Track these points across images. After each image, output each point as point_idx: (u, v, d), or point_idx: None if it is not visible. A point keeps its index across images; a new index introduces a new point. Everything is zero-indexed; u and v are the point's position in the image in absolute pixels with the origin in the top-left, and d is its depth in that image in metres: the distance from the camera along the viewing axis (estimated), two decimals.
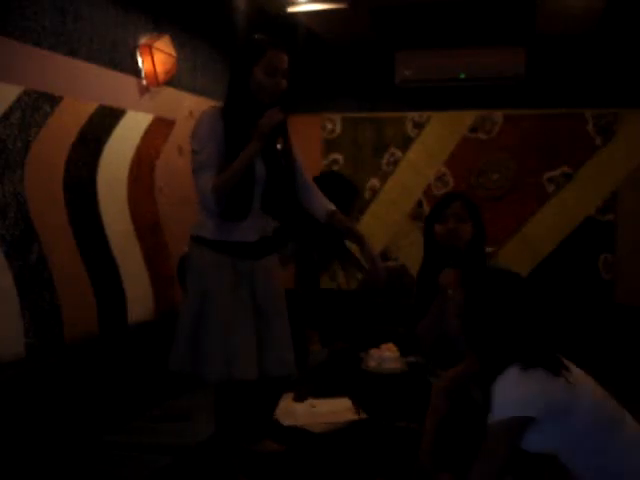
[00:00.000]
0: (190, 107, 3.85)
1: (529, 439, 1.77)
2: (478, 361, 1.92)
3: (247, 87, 2.35)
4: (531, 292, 1.91)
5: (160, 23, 3.58)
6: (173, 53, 3.53)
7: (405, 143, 4.96)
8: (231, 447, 2.61)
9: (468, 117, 4.83)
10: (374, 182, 5.03)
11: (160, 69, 3.44)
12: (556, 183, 4.70)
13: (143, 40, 3.41)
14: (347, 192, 3.50)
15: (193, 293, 2.41)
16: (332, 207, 2.54)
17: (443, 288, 2.53)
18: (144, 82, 3.44)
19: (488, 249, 2.79)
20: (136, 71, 3.40)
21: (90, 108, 3.08)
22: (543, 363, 1.78)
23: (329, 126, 5.06)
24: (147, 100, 3.49)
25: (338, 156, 5.07)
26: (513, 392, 1.75)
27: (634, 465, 1.76)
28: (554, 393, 1.75)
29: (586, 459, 1.80)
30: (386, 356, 3.78)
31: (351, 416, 3.16)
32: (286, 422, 3.08)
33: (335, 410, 3.23)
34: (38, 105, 2.76)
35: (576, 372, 1.85)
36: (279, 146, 2.41)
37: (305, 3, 3.93)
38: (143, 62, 3.40)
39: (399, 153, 4.98)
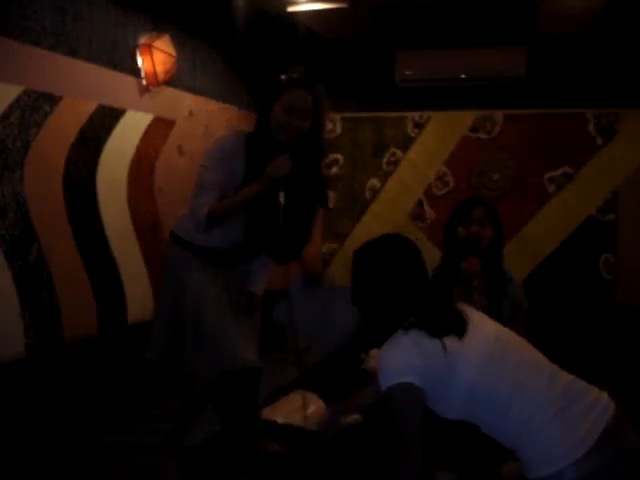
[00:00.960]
0: (190, 107, 3.84)
1: (435, 407, 1.77)
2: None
3: (267, 124, 2.35)
4: (411, 258, 1.88)
5: (160, 23, 3.57)
6: (173, 53, 3.53)
7: (405, 143, 4.96)
8: (235, 446, 2.62)
9: (468, 117, 4.82)
10: (374, 182, 5.03)
11: (160, 69, 3.44)
12: (557, 183, 4.70)
13: (143, 40, 3.41)
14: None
15: (168, 289, 2.45)
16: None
17: (468, 276, 2.59)
18: (144, 82, 3.44)
19: None
20: (136, 71, 3.39)
21: (90, 108, 3.08)
22: (422, 328, 1.75)
23: (329, 126, 5.05)
24: (147, 100, 3.49)
25: (338, 156, 5.07)
26: (392, 360, 1.75)
27: (510, 440, 1.70)
28: (430, 360, 1.71)
29: (485, 429, 1.77)
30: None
31: None
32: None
33: None
34: (38, 105, 2.76)
35: (474, 335, 1.76)
36: (281, 200, 2.37)
37: (305, 3, 3.93)
38: (143, 62, 3.40)
39: (399, 153, 4.98)
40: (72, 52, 2.96)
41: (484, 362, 1.72)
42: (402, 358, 1.73)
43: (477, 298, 2.64)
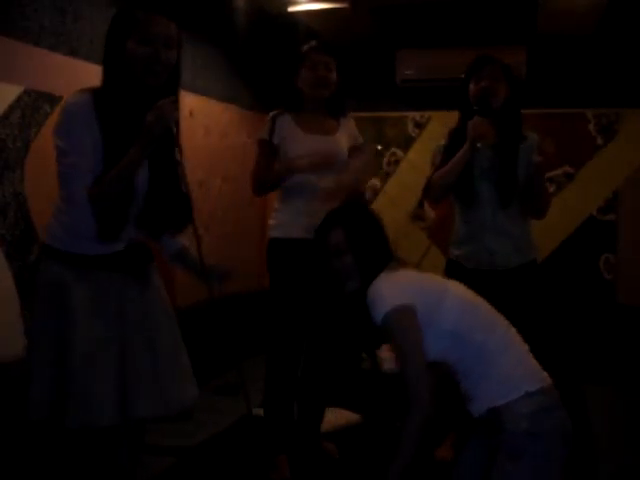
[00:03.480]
0: (190, 107, 3.84)
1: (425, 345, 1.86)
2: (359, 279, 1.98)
3: (122, 66, 1.87)
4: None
5: None
6: None
7: (406, 143, 4.95)
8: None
9: None
10: (375, 182, 5.02)
11: None
12: (557, 183, 4.69)
13: None
14: None
15: (47, 316, 1.91)
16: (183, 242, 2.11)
17: (472, 137, 2.63)
18: None
19: None
20: None
21: None
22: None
23: None
24: None
25: None
26: (386, 289, 1.85)
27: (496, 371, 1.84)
28: (423, 284, 1.94)
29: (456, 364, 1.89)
30: (386, 356, 3.78)
31: None
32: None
33: None
34: (38, 105, 2.76)
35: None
36: (178, 156, 1.92)
37: (305, 3, 3.93)
38: None
39: (400, 153, 4.97)
40: (72, 52, 2.96)
41: (466, 299, 1.93)
42: (398, 284, 1.87)
43: (479, 161, 2.68)
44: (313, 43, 2.80)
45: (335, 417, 3.29)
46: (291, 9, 4.01)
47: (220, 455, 3.01)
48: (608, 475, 2.87)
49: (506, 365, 1.83)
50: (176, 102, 1.86)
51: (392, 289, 1.85)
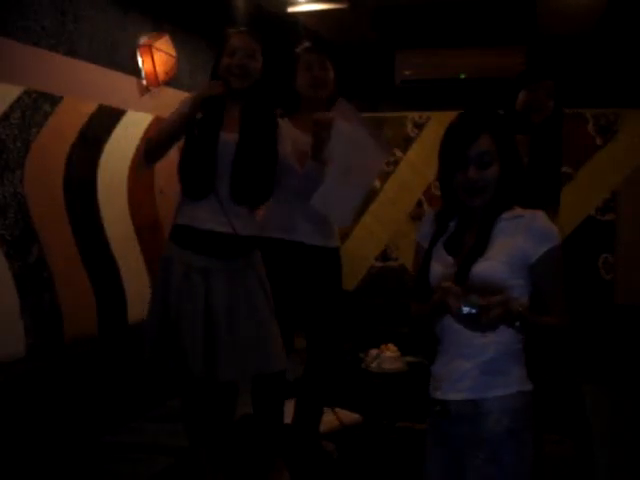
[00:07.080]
0: None
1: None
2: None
3: (217, 74, 2.45)
4: None
5: (160, 23, 3.57)
6: (173, 53, 3.53)
7: (405, 143, 4.96)
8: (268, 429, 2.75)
9: None
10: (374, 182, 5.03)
11: (160, 69, 3.44)
12: None
13: (143, 40, 3.41)
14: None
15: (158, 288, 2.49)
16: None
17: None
18: (144, 82, 3.44)
19: None
20: (136, 71, 3.40)
21: (90, 108, 3.08)
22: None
23: None
24: (147, 100, 3.48)
25: None
26: (551, 224, 1.75)
27: None
28: None
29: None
30: (386, 356, 3.79)
31: None
32: None
33: None
34: (38, 105, 2.76)
35: None
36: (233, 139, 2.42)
37: (305, 3, 3.94)
38: (143, 62, 3.40)
39: (399, 153, 4.98)
40: (72, 52, 2.96)
41: None
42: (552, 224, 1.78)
43: None
44: (307, 44, 2.80)
45: (335, 417, 3.30)
46: (291, 9, 4.01)
47: (220, 455, 3.01)
48: (607, 474, 2.88)
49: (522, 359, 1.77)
50: (222, 84, 2.37)
51: (553, 226, 1.76)
